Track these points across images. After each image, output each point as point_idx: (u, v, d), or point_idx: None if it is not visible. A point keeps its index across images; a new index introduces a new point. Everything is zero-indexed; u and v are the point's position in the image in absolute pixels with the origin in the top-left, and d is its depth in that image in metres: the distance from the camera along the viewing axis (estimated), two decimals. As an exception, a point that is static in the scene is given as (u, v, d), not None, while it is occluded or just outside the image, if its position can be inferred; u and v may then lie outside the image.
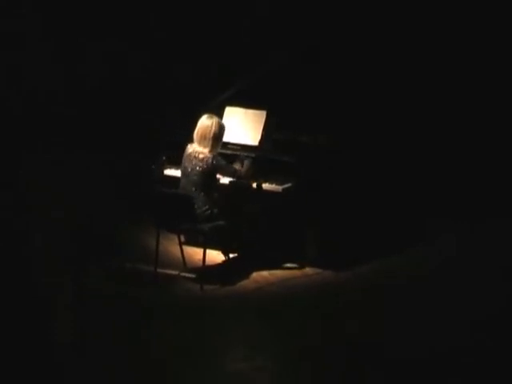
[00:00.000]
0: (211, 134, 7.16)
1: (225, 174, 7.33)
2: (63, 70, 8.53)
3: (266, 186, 7.35)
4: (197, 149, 7.21)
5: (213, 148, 7.18)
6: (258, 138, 7.57)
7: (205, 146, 7.18)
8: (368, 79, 8.36)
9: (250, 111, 7.69)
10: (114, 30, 8.58)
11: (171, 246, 7.83)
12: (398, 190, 8.24)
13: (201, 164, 7.15)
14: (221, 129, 7.23)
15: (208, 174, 7.16)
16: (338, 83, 8.22)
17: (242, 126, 7.67)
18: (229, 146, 7.57)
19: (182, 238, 7.72)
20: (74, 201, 7.86)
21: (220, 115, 7.60)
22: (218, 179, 7.34)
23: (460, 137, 8.36)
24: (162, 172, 7.65)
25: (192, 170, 7.19)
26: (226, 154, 7.44)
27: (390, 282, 7.19)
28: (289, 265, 7.60)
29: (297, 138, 7.60)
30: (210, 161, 7.14)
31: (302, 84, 7.97)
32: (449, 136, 8.40)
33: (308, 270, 7.51)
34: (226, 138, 7.58)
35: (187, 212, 7.11)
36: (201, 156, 7.16)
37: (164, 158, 7.66)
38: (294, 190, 7.32)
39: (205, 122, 7.22)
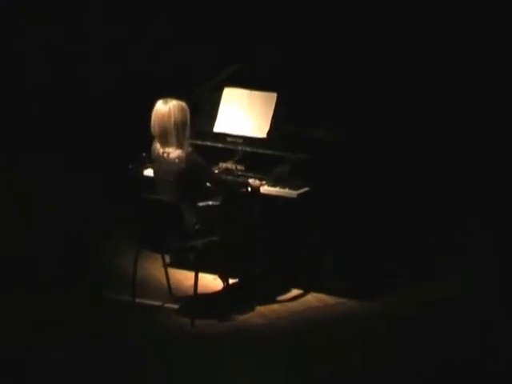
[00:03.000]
0: (172, 125, 5.60)
1: (203, 179, 5.81)
2: (63, 70, 8.32)
3: (277, 190, 5.99)
4: (164, 148, 5.73)
5: (181, 142, 5.65)
6: (267, 128, 6.03)
7: (171, 144, 5.66)
8: (368, 79, 8.17)
9: (256, 93, 6.12)
10: (114, 30, 8.36)
11: (154, 268, 6.50)
12: (432, 205, 7.25)
13: (173, 167, 5.67)
14: (183, 113, 5.65)
15: (186, 177, 5.68)
16: (339, 83, 7.97)
17: (246, 112, 6.12)
18: (228, 140, 6.15)
19: (167, 259, 6.31)
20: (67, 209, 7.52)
21: (217, 98, 6.27)
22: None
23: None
24: (142, 172, 6.26)
25: (165, 175, 5.73)
26: (224, 148, 6.16)
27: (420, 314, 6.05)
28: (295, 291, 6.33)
29: (311, 132, 6.22)
30: (184, 160, 5.64)
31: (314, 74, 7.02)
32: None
33: (329, 300, 6.23)
34: (224, 129, 6.20)
35: (175, 225, 5.64)
36: (171, 156, 5.66)
37: (144, 154, 6.24)
38: (312, 195, 5.97)
39: (160, 111, 5.63)
